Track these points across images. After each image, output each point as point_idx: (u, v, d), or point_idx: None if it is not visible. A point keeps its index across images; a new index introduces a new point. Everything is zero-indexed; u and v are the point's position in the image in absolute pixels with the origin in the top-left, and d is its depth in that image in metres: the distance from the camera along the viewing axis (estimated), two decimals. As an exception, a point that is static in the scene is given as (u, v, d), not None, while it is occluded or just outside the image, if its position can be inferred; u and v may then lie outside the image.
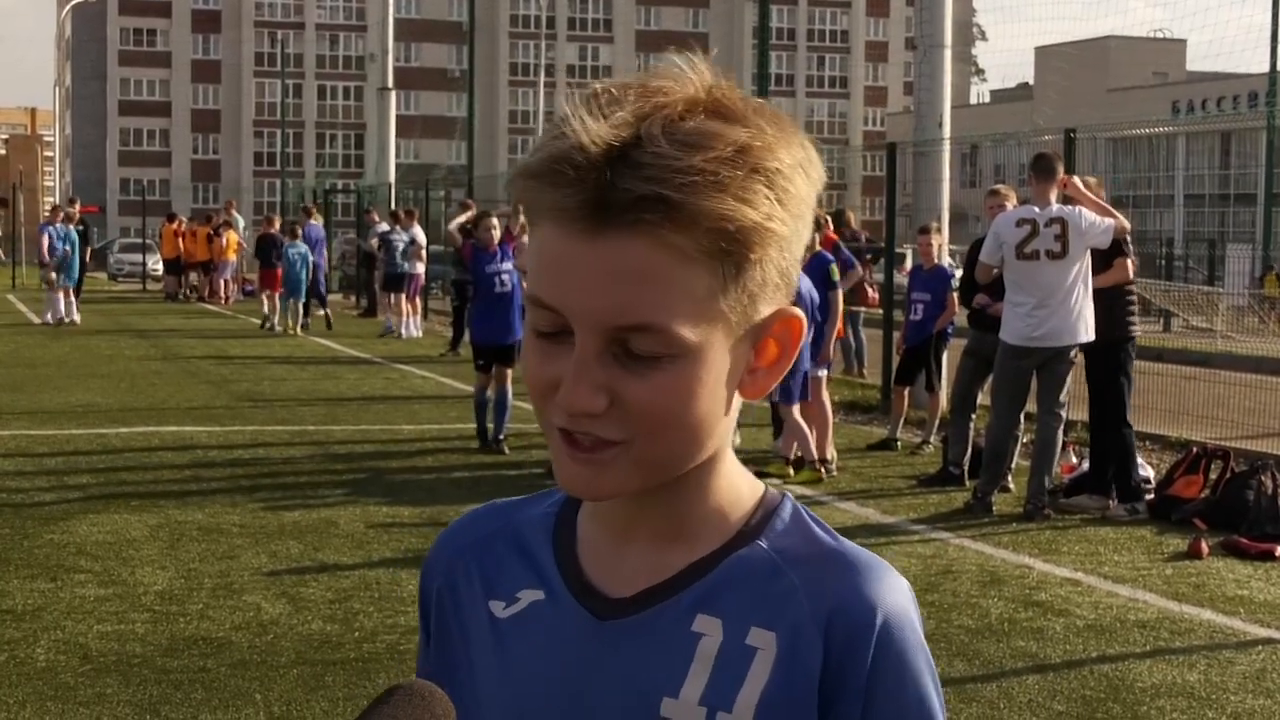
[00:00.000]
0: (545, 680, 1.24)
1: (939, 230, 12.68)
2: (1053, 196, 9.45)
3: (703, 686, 1.19)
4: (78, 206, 29.63)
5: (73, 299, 26.49)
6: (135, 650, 6.21)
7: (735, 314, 1.16)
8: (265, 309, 26.23)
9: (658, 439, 1.16)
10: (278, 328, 25.27)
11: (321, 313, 25.77)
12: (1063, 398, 9.62)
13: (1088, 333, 9.44)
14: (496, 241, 11.89)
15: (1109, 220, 9.43)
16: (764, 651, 1.19)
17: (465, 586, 1.33)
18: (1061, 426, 9.68)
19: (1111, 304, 9.67)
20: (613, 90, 1.15)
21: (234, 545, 8.27)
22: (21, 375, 17.20)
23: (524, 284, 10.58)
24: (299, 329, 24.98)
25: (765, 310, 1.19)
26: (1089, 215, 9.44)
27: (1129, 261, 9.74)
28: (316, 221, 27.56)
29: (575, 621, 1.24)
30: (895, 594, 1.21)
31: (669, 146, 1.11)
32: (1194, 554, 8.46)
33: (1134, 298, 9.92)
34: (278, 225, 27.44)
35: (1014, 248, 9.45)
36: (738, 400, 1.22)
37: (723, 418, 1.20)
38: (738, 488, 1.26)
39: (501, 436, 11.73)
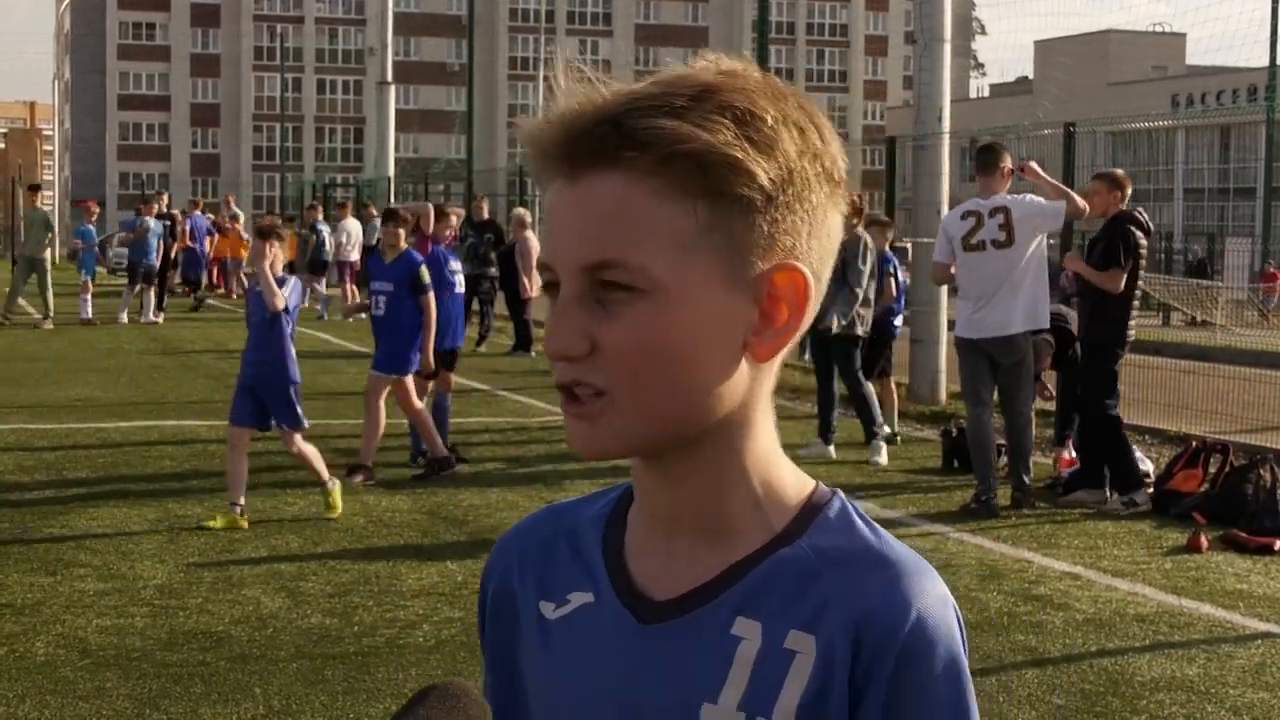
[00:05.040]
0: (588, 683, 1.24)
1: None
2: (998, 187, 9.44)
3: (742, 691, 1.18)
4: (165, 199, 28.82)
5: (86, 296, 25.08)
6: (135, 644, 6.21)
7: (720, 259, 1.15)
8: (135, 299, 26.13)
9: (639, 383, 1.15)
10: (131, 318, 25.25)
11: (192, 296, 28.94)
12: (1026, 394, 9.59)
13: (1037, 320, 9.43)
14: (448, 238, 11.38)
15: (1057, 204, 9.40)
16: (803, 655, 1.18)
17: (520, 588, 1.32)
18: (1030, 418, 9.65)
19: (1111, 306, 9.64)
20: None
21: (233, 539, 8.27)
22: (21, 369, 17.19)
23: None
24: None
25: (761, 264, 1.16)
26: (1035, 202, 9.45)
27: (1123, 274, 9.57)
28: (201, 212, 27.73)
29: (619, 624, 1.23)
30: (929, 596, 1.18)
31: (636, 87, 1.16)
32: (1193, 548, 8.47)
33: (1134, 303, 9.82)
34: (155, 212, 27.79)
35: (960, 240, 9.44)
36: (755, 369, 1.19)
37: (727, 378, 1.17)
38: (780, 480, 1.24)
39: (448, 444, 10.79)
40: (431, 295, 10.22)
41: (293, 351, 8.83)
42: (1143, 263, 9.78)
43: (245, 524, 8.52)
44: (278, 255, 8.86)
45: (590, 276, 1.14)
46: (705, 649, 1.20)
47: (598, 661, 1.24)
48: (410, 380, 10.25)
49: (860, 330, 11.34)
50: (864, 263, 11.19)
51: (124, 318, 25.00)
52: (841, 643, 1.17)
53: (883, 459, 11.32)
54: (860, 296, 11.21)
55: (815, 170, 1.17)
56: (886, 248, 12.42)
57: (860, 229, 11.33)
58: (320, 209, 30.80)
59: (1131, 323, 9.79)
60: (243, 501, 8.60)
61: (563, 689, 1.25)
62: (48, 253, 24.10)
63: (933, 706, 1.17)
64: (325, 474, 8.93)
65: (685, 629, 1.21)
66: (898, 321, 12.81)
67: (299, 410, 8.77)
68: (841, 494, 1.26)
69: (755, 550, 1.21)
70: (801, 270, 1.18)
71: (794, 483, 1.24)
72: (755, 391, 1.20)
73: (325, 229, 28.96)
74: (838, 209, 1.20)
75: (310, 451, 8.95)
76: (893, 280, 12.35)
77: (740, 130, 1.13)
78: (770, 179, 1.14)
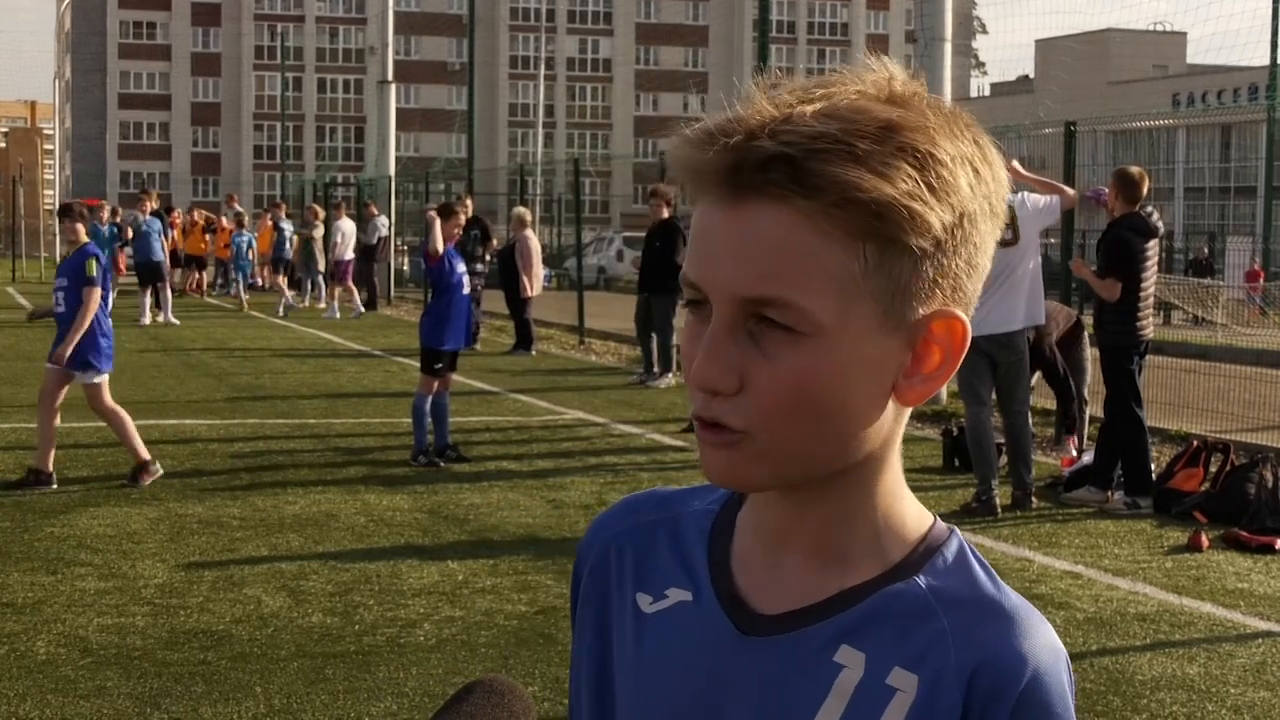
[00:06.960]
0: (679, 685, 1.22)
1: None
2: None
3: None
4: (155, 197, 28.84)
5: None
6: (136, 643, 6.21)
7: (881, 304, 1.11)
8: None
9: (785, 428, 1.12)
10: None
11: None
12: (1023, 393, 9.61)
13: (1035, 317, 9.48)
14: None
15: (1052, 198, 9.51)
16: (903, 694, 1.15)
17: (617, 572, 1.30)
18: (1028, 418, 9.68)
19: (1115, 310, 9.63)
20: (795, 82, 1.14)
21: (234, 538, 8.27)
22: (22, 369, 17.19)
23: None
24: (245, 305, 29.01)
25: (921, 309, 1.13)
26: (1033, 198, 9.51)
27: (1118, 284, 9.54)
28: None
29: (718, 631, 1.21)
30: (1046, 651, 1.16)
31: (812, 118, 1.09)
32: (1194, 547, 8.47)
33: (1147, 305, 9.81)
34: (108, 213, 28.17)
35: None
36: (898, 410, 1.17)
37: (872, 422, 1.15)
38: (902, 514, 1.21)
39: (449, 443, 11.04)
40: (96, 291, 9.59)
41: None
42: (1148, 267, 9.72)
43: None
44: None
45: (748, 308, 1.10)
46: (805, 670, 1.17)
47: (692, 664, 1.21)
48: (105, 380, 9.71)
49: None
50: None
51: (145, 320, 24.82)
52: (953, 688, 1.14)
53: None
54: None
55: (983, 208, 1.14)
56: None
57: None
58: (284, 206, 34.07)
59: (1141, 324, 9.74)
60: None
61: (652, 686, 1.23)
62: None
63: None
64: None
65: (787, 646, 1.18)
66: None
67: None
68: (959, 534, 1.23)
69: (868, 580, 1.19)
70: (961, 319, 1.15)
71: (914, 517, 1.22)
72: (894, 431, 1.18)
73: (287, 226, 31.61)
74: (994, 239, 1.17)
75: None
76: None
77: (920, 176, 1.09)
78: (943, 225, 1.11)
